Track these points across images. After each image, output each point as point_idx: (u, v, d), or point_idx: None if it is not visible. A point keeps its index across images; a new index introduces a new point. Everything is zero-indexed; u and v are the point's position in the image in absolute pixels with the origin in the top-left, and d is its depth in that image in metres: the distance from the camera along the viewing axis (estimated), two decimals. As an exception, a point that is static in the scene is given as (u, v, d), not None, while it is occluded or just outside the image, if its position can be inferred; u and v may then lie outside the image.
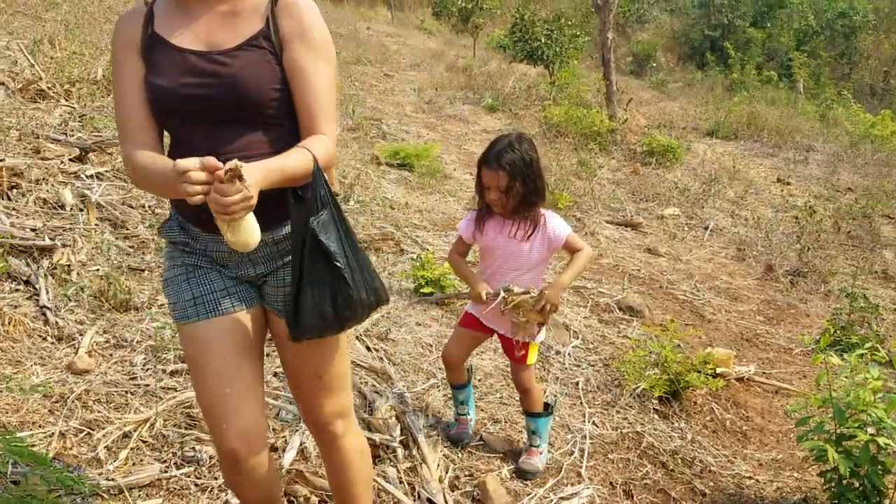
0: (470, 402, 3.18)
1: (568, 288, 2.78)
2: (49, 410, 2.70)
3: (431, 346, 3.81)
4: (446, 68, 14.29)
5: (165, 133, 1.82)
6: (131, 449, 2.61)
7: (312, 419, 2.01)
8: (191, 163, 1.54)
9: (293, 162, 1.69)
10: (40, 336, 3.09)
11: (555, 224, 2.76)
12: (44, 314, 3.20)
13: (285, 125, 1.81)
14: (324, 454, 2.11)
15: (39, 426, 2.62)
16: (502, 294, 2.70)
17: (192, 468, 2.57)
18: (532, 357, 2.95)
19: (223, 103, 1.72)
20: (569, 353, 4.07)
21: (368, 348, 3.54)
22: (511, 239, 2.74)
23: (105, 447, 2.59)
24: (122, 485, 2.41)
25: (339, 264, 1.73)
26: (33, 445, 2.50)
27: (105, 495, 2.38)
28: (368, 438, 2.77)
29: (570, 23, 12.22)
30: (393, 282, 4.39)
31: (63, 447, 2.55)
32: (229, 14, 1.75)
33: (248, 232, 1.65)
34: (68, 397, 2.76)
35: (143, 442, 2.67)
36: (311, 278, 1.73)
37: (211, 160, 1.56)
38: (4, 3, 8.16)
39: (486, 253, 2.85)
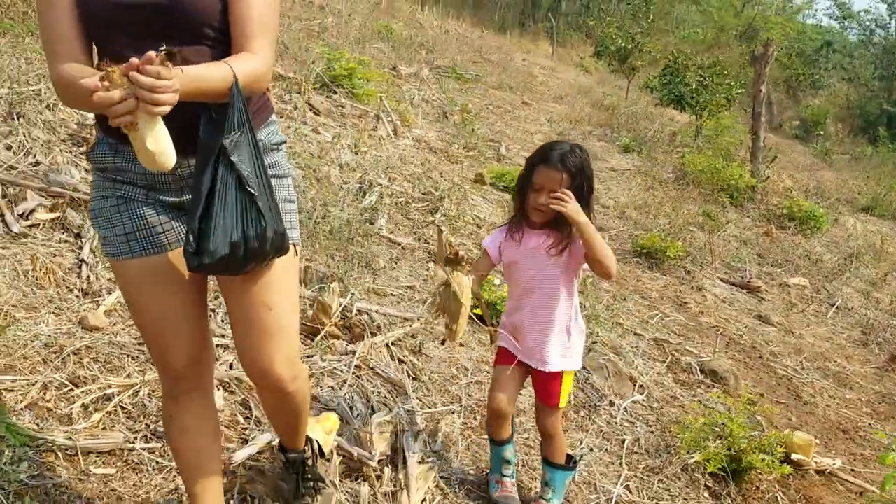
0: (514, 460, 2.75)
1: (582, 225, 2.36)
2: (43, 359, 2.65)
3: (468, 369, 3.51)
4: (590, 104, 13.92)
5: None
6: (107, 413, 2.51)
7: (264, 373, 1.86)
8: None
9: (211, 74, 1.56)
10: (68, 288, 3.08)
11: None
12: (80, 267, 3.20)
13: (229, 42, 1.67)
14: (272, 402, 2.03)
15: (27, 373, 2.57)
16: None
17: (160, 444, 2.43)
18: (564, 399, 2.60)
19: (162, 15, 1.58)
20: (625, 408, 3.65)
21: (393, 357, 3.30)
22: (544, 253, 2.43)
23: (82, 405, 2.50)
24: (79, 447, 2.30)
25: (251, 189, 1.60)
26: (10, 390, 2.45)
27: (58, 452, 2.27)
28: (347, 450, 2.54)
29: (725, 72, 11.53)
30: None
31: (41, 398, 2.49)
32: None
33: (162, 143, 1.48)
34: (66, 349, 2.70)
35: (122, 408, 2.56)
36: (222, 203, 1.60)
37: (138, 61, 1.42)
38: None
39: (513, 269, 2.54)
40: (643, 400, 3.80)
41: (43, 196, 3.47)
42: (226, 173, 1.61)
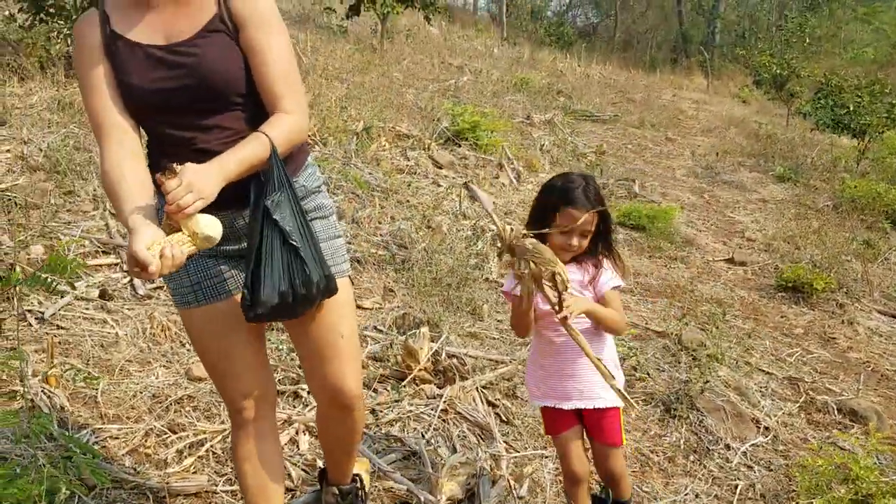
0: None
1: (590, 314, 2.22)
2: (148, 409, 2.90)
3: (567, 413, 3.41)
4: (743, 134, 13.27)
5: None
6: (198, 457, 2.69)
7: (338, 390, 2.04)
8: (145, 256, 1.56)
9: (248, 153, 1.72)
10: (180, 342, 3.36)
11: (608, 272, 2.32)
12: (193, 323, 3.47)
13: (259, 103, 1.81)
14: (338, 423, 2.14)
15: (133, 421, 2.82)
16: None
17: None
18: (624, 436, 2.45)
19: (195, 93, 1.75)
20: (744, 451, 3.38)
21: (484, 401, 3.28)
22: (584, 286, 2.29)
23: (177, 450, 2.70)
24: (168, 489, 2.48)
25: (294, 243, 1.75)
26: (115, 437, 2.70)
27: (149, 494, 2.46)
28: (415, 494, 2.54)
29: (886, 90, 10.59)
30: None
31: (142, 444, 2.71)
32: (183, 2, 1.76)
33: (208, 227, 1.66)
34: (169, 398, 2.94)
35: (213, 453, 2.73)
36: (269, 257, 1.76)
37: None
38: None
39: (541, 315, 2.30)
40: (766, 443, 3.51)
41: (167, 260, 3.82)
42: (270, 231, 1.76)
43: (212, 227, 1.66)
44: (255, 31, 1.76)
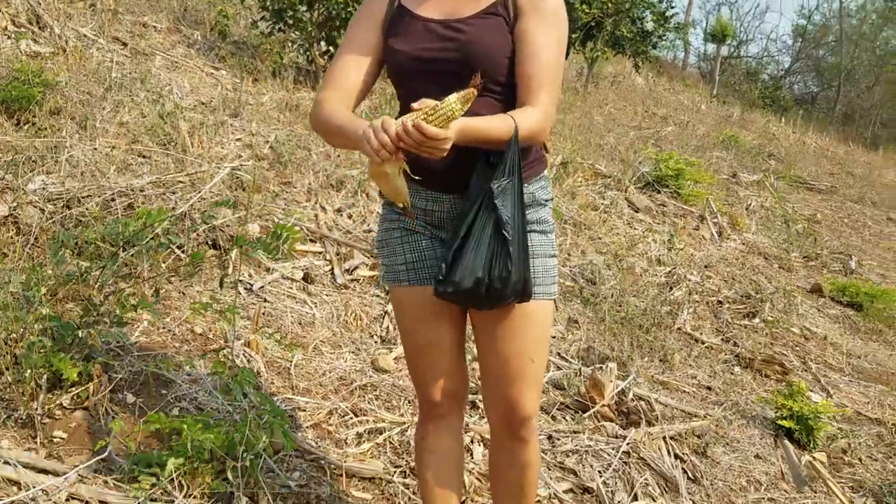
0: None
1: None
2: (334, 389, 2.94)
3: (762, 484, 3.09)
4: None
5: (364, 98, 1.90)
6: (376, 444, 2.68)
7: (512, 408, 1.90)
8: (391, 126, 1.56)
9: (492, 126, 1.69)
10: (369, 333, 3.40)
11: None
12: (383, 318, 3.52)
13: (513, 96, 1.78)
14: (502, 464, 2.00)
15: (321, 397, 2.86)
16: None
17: (415, 482, 2.51)
18: None
19: (455, 67, 1.75)
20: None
21: (670, 453, 3.03)
22: None
23: (356, 433, 2.71)
24: (345, 468, 2.49)
25: (507, 234, 1.69)
26: (303, 409, 2.75)
27: (326, 469, 2.47)
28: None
29: None
30: (750, 404, 3.72)
31: (325, 421, 2.75)
32: None
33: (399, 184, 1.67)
34: (355, 383, 2.97)
35: (390, 443, 2.71)
36: (476, 240, 1.71)
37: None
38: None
39: None
40: None
41: (367, 256, 3.93)
42: (486, 215, 1.71)
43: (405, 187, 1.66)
44: (532, 22, 1.74)
